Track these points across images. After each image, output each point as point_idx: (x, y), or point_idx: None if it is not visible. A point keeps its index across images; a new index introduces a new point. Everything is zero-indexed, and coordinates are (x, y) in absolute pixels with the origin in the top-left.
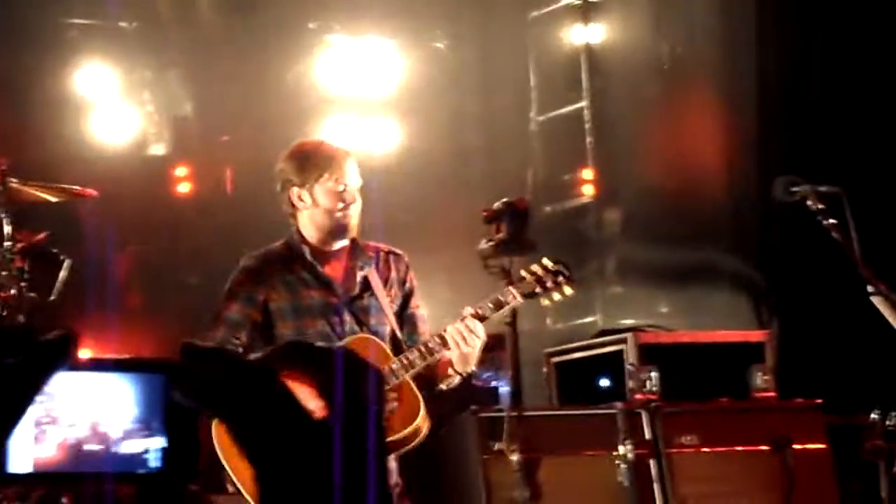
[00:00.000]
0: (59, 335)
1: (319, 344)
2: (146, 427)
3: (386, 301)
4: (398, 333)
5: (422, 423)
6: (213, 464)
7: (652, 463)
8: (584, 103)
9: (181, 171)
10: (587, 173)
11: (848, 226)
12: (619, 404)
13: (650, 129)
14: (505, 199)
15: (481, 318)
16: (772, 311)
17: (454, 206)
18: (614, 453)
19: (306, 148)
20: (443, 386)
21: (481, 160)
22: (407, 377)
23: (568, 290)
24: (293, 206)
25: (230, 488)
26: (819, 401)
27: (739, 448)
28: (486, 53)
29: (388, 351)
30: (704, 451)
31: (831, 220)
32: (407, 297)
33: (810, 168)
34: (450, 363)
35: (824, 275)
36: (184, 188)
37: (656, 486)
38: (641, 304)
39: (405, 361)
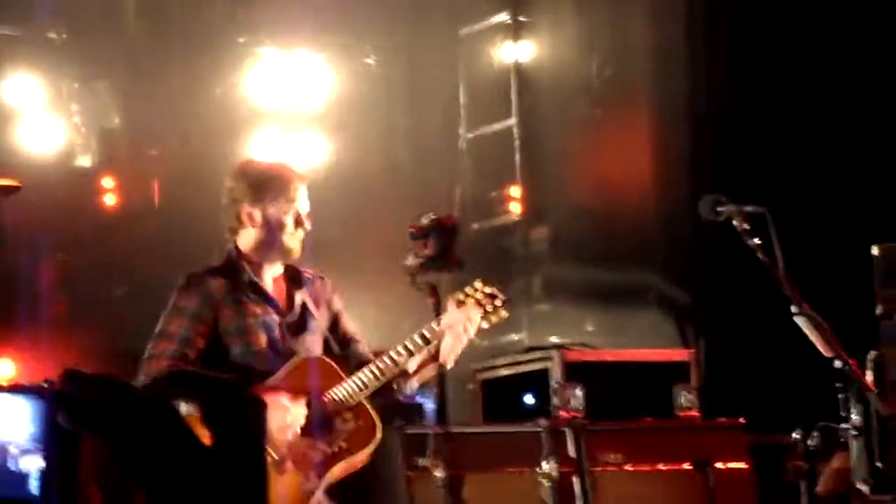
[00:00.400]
0: None
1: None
2: (23, 451)
3: (319, 322)
4: (334, 351)
5: (377, 443)
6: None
7: (575, 480)
8: (513, 121)
9: (108, 182)
10: (515, 191)
11: (773, 246)
12: (543, 422)
13: (579, 147)
14: (433, 216)
15: (427, 342)
16: (698, 331)
17: (382, 222)
18: (538, 470)
19: (262, 167)
20: (408, 389)
21: (410, 176)
22: (362, 398)
23: (504, 314)
24: (240, 222)
25: None
26: (741, 420)
27: (662, 467)
28: (415, 69)
29: (339, 370)
30: (628, 470)
31: (756, 240)
32: (336, 318)
33: (740, 188)
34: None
35: (750, 295)
36: (110, 200)
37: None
38: (568, 323)
39: (359, 383)
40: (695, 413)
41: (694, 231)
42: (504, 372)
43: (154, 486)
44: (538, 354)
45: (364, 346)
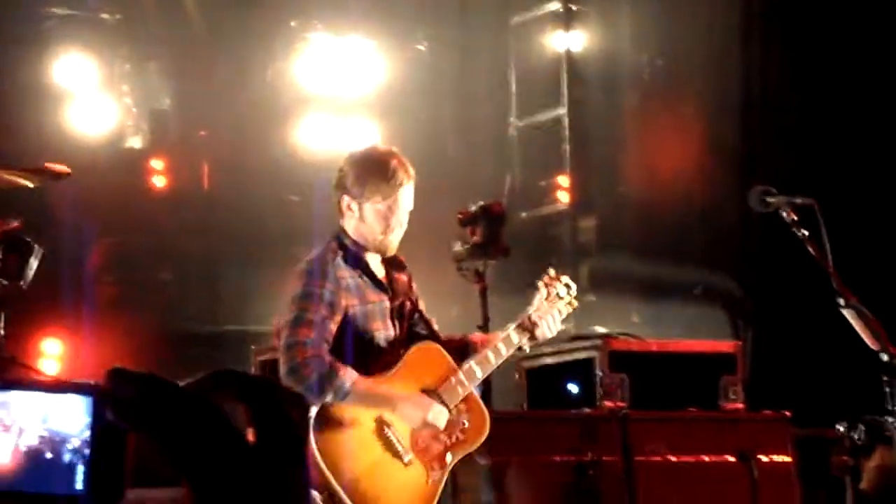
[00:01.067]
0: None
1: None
2: (70, 447)
3: (409, 306)
4: (429, 334)
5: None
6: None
7: (619, 471)
8: (563, 110)
9: (157, 164)
10: (563, 180)
11: (821, 237)
12: (588, 411)
13: (628, 138)
14: (481, 203)
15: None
16: (745, 323)
17: (430, 209)
18: (582, 459)
19: (371, 159)
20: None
21: (459, 163)
22: (471, 388)
23: (576, 304)
24: (341, 210)
25: (323, 499)
26: (787, 413)
27: (706, 458)
28: (466, 57)
29: (450, 359)
30: (672, 460)
31: (804, 232)
32: (416, 302)
33: (789, 180)
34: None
35: (798, 287)
36: (160, 181)
37: (624, 494)
38: (614, 313)
39: (469, 373)
40: (740, 405)
41: (742, 222)
42: (548, 361)
43: (199, 482)
44: (583, 343)
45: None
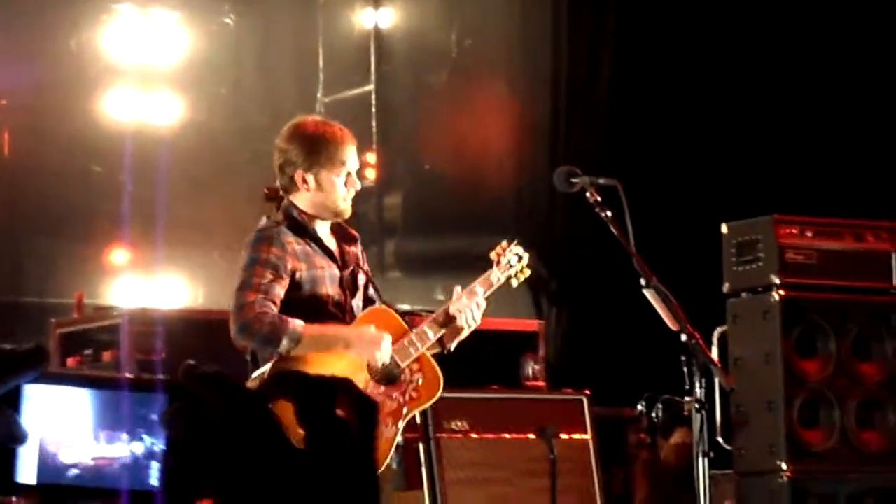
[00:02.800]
0: (29, 349)
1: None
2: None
3: (363, 277)
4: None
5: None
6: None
7: (421, 447)
8: (370, 87)
9: None
10: (370, 157)
11: (625, 218)
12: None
13: (436, 116)
14: None
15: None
16: (550, 302)
17: (236, 184)
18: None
19: (313, 130)
20: (452, 346)
21: (265, 139)
22: (423, 349)
23: (528, 272)
24: (294, 185)
25: None
26: (587, 392)
27: (507, 435)
28: (273, 32)
29: (403, 322)
30: (473, 437)
31: (608, 212)
32: (368, 273)
33: (596, 161)
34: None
35: (603, 267)
36: None
37: (424, 470)
38: (419, 290)
39: (422, 335)
40: (541, 383)
41: (549, 202)
42: None
43: (251, 489)
44: None
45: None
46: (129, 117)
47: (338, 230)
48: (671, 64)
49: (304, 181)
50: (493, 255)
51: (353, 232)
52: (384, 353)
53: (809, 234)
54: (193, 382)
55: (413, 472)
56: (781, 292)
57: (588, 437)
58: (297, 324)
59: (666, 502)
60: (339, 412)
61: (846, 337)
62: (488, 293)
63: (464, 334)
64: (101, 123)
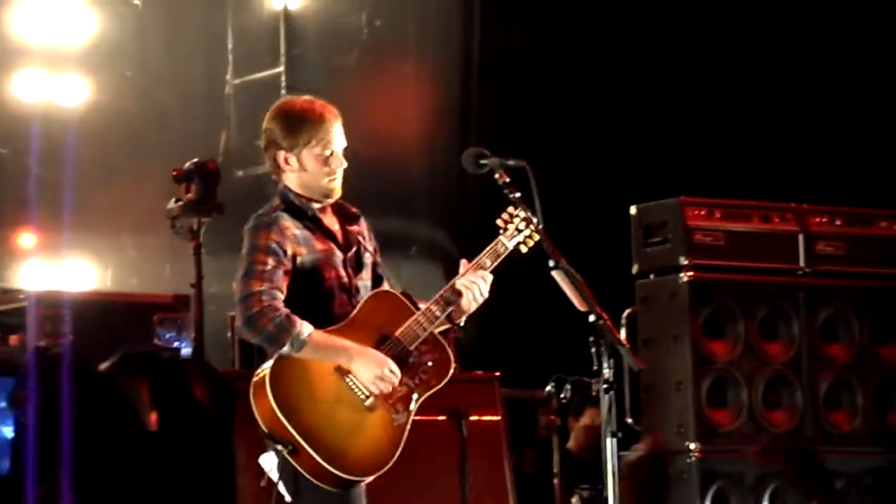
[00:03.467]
0: None
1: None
2: None
3: (368, 256)
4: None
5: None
6: None
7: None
8: (280, 69)
9: None
10: None
11: (533, 200)
12: None
13: (347, 98)
14: (195, 160)
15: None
16: None
17: (144, 166)
18: None
19: (295, 109)
20: (462, 322)
21: (174, 121)
22: (433, 329)
23: (537, 237)
24: (279, 167)
25: (281, 448)
26: (497, 374)
27: (418, 417)
28: (182, 13)
29: (409, 304)
30: None
31: (517, 194)
32: (376, 253)
33: (508, 142)
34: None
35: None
36: None
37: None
38: None
39: (429, 314)
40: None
41: (459, 183)
42: None
43: (87, 472)
44: None
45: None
46: (37, 99)
47: (339, 210)
48: (582, 46)
49: (287, 162)
50: (498, 223)
51: (355, 210)
52: (382, 383)
53: (717, 215)
54: (40, 364)
55: None
56: (689, 273)
57: (498, 418)
58: (303, 329)
59: (577, 484)
60: (194, 394)
61: (753, 318)
62: (496, 263)
63: (473, 308)
64: (7, 105)
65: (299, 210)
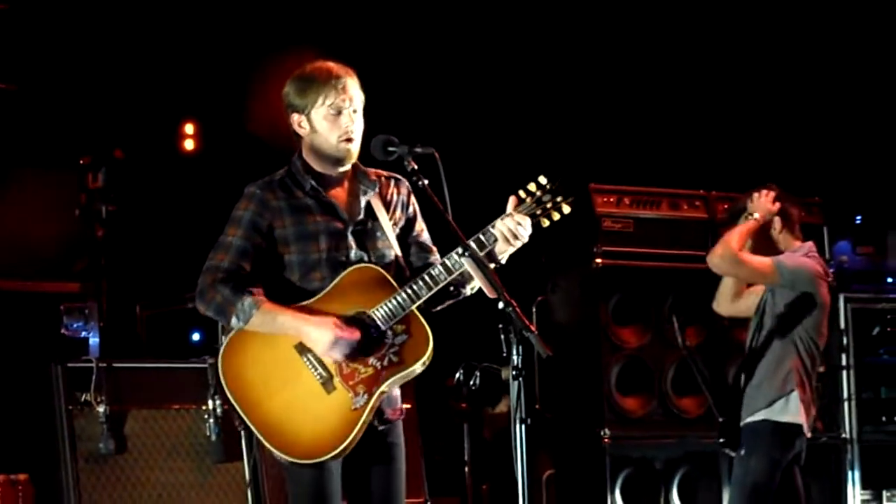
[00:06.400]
0: None
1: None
2: None
3: (389, 225)
4: (400, 259)
5: (431, 354)
6: None
7: (235, 418)
8: None
9: None
10: None
11: (441, 186)
12: (209, 359)
13: None
14: None
15: (483, 247)
16: None
17: None
18: (203, 407)
19: (307, 70)
20: (468, 291)
21: None
22: (413, 308)
23: (566, 209)
24: (295, 132)
25: (238, 424)
26: None
27: None
28: None
29: (392, 280)
30: None
31: (424, 181)
32: (411, 221)
33: (411, 130)
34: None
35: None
36: None
37: (244, 440)
38: None
39: (410, 292)
40: None
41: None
42: (172, 308)
43: None
44: None
45: (437, 257)
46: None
47: (356, 178)
48: (489, 27)
49: (300, 125)
50: (520, 194)
51: (376, 176)
52: (333, 352)
53: (626, 202)
54: None
55: (232, 443)
56: (599, 261)
57: (409, 406)
58: (248, 301)
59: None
60: None
61: (663, 304)
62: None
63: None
64: None
65: (296, 179)
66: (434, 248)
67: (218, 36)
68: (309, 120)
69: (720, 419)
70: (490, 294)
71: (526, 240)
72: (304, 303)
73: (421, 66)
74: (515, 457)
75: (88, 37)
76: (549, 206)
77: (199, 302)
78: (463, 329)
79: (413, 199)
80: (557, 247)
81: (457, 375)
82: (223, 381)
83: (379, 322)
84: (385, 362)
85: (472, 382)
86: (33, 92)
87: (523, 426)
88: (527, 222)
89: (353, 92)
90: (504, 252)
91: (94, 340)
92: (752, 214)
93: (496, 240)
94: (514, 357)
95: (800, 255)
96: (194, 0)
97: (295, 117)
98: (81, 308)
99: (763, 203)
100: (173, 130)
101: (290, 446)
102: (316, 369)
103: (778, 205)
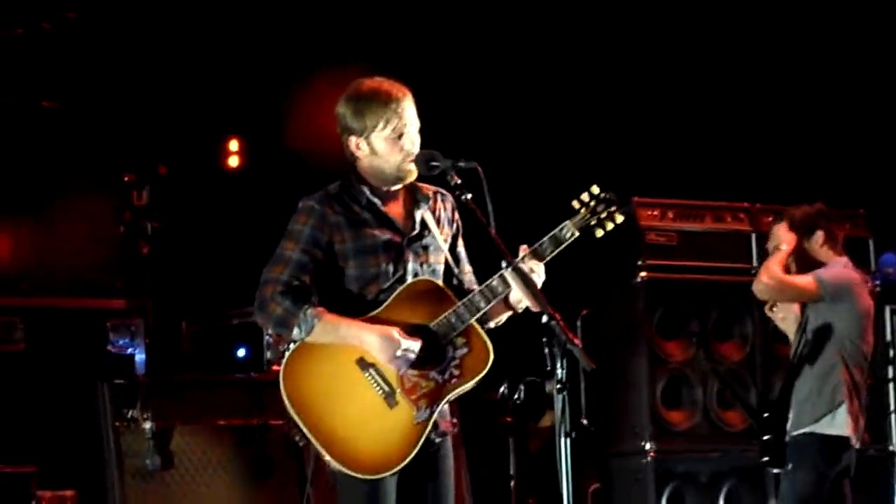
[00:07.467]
0: None
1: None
2: None
3: (441, 239)
4: (454, 270)
5: (490, 368)
6: None
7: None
8: None
9: None
10: None
11: (485, 200)
12: (255, 375)
13: None
14: None
15: (540, 258)
16: None
17: None
18: (250, 423)
19: (363, 91)
20: (492, 324)
21: None
22: (473, 321)
23: (619, 219)
24: (353, 153)
25: (298, 439)
26: None
27: None
28: None
29: (451, 293)
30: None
31: (468, 195)
32: (455, 237)
33: (452, 145)
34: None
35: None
36: None
37: (295, 456)
38: None
39: (469, 304)
40: None
41: None
42: (217, 324)
43: None
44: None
45: (468, 267)
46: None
47: (410, 192)
48: (534, 44)
49: (359, 147)
50: (574, 204)
51: (427, 190)
52: (398, 361)
53: (670, 215)
54: None
55: (285, 459)
56: (643, 274)
57: (455, 420)
58: (309, 312)
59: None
60: None
61: (707, 317)
62: (558, 251)
63: (523, 301)
64: None
65: (353, 194)
66: (467, 267)
67: (261, 52)
68: (368, 143)
69: (763, 437)
70: (534, 308)
71: (539, 283)
72: (363, 317)
73: (464, 80)
74: (560, 470)
75: (132, 54)
76: (603, 215)
77: (258, 314)
78: (507, 343)
79: (457, 214)
80: (602, 260)
81: (501, 389)
82: (284, 397)
83: (440, 335)
84: (447, 375)
85: (516, 396)
86: (77, 109)
87: (568, 440)
88: (540, 268)
89: (411, 113)
90: (501, 315)
91: (140, 357)
92: (778, 248)
93: (552, 251)
94: (559, 370)
95: (837, 268)
96: (239, 18)
97: (353, 140)
98: (127, 325)
99: (781, 234)
100: (217, 147)
101: (355, 462)
102: (378, 384)
103: (793, 235)
